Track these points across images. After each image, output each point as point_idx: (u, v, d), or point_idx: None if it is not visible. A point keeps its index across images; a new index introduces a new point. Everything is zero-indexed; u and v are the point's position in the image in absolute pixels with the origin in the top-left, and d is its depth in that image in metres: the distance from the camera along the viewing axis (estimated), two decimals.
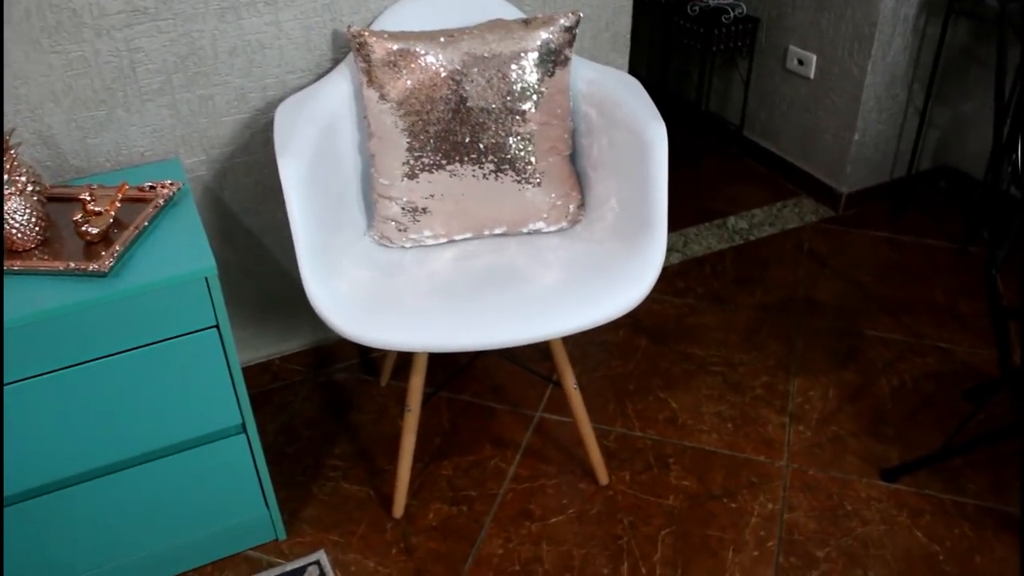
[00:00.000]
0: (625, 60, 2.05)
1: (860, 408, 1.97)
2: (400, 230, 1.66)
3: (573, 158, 1.76)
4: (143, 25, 1.57)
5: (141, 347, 1.36)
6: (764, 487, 1.78)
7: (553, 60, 1.62)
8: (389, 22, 1.70)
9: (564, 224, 1.70)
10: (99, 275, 1.32)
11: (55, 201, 1.53)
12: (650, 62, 3.43)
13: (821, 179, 2.76)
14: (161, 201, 1.49)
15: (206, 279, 1.35)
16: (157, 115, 1.66)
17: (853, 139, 2.60)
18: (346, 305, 1.44)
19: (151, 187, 1.53)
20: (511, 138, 1.62)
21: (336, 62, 1.76)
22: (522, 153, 1.63)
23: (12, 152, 1.39)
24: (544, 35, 1.61)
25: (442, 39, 1.59)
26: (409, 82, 1.58)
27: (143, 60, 1.60)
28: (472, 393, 2.05)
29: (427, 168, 1.61)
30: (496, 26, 1.62)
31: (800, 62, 2.71)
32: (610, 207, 1.65)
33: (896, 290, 2.37)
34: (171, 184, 1.53)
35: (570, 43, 1.64)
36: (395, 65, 1.58)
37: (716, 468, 1.83)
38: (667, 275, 2.45)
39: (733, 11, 2.79)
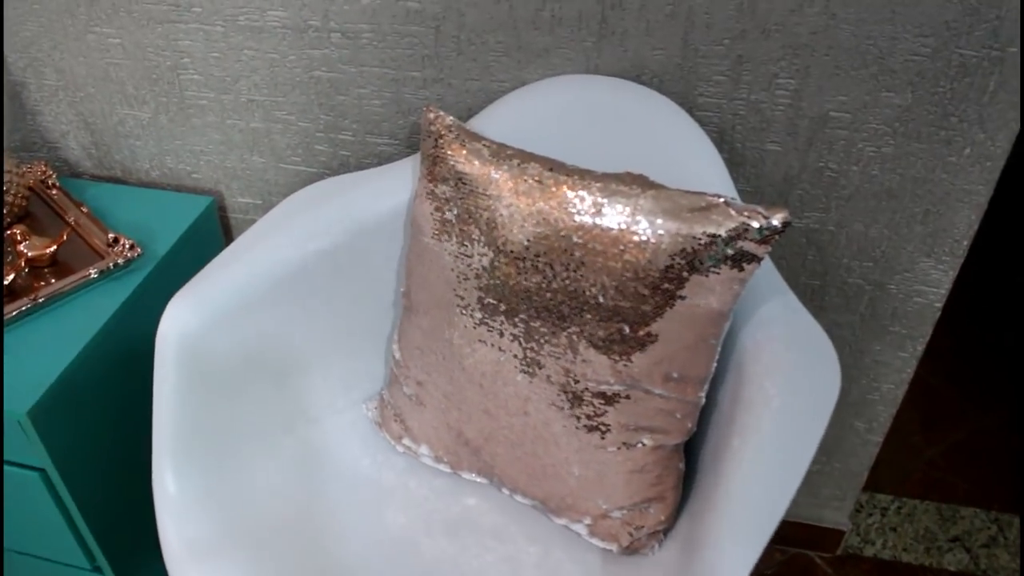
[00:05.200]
0: (948, 278, 1.14)
1: None
2: (398, 422, 1.09)
3: (691, 446, 1.01)
4: (186, 25, 1.14)
5: None
6: None
7: (707, 287, 0.87)
8: (502, 115, 1.06)
9: (614, 548, 0.99)
10: None
11: (51, 209, 1.23)
12: None
13: None
14: (93, 272, 1.10)
15: (19, 422, 0.96)
16: (203, 136, 1.26)
17: None
18: (199, 529, 0.95)
19: (114, 239, 1.15)
20: (573, 385, 0.93)
21: None
22: (588, 412, 0.94)
23: None
24: (707, 233, 0.85)
25: (533, 178, 0.92)
26: (457, 226, 0.96)
27: (187, 66, 1.19)
28: None
29: (447, 362, 1.00)
30: (631, 184, 0.90)
31: None
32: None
33: None
34: (131, 248, 1.14)
35: (752, 260, 0.86)
36: (453, 193, 0.97)
37: None
38: None
39: None
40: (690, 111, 1.05)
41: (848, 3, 0.93)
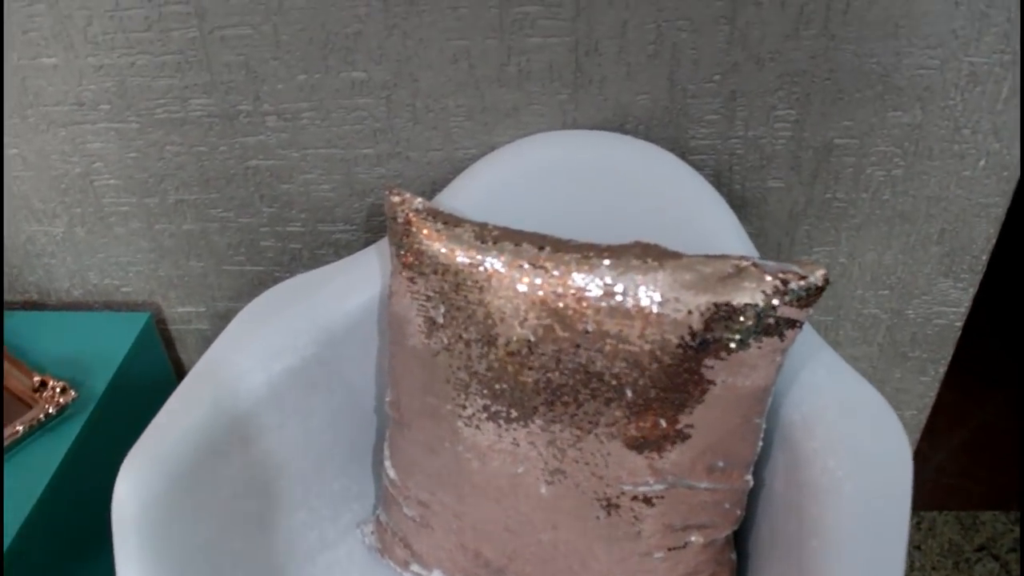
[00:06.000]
0: (968, 296, 1.06)
1: None
2: (402, 547, 0.96)
3: (741, 535, 0.90)
4: (94, 125, 0.99)
5: None
6: None
7: (747, 364, 0.76)
8: (473, 187, 0.94)
9: None
10: None
11: None
12: None
13: None
14: (21, 428, 0.94)
15: None
16: (129, 245, 1.10)
17: None
18: None
19: (41, 383, 0.99)
20: (607, 490, 0.81)
21: None
22: (628, 519, 0.82)
23: None
24: (741, 303, 0.75)
25: (529, 262, 0.80)
26: (447, 327, 0.83)
27: (100, 170, 1.03)
28: None
29: (454, 478, 0.87)
30: (644, 257, 0.78)
31: None
32: None
33: None
34: (63, 392, 0.97)
35: (792, 326, 0.76)
36: (437, 289, 0.84)
37: None
38: None
39: None
40: (682, 156, 0.95)
41: (848, 22, 0.84)
